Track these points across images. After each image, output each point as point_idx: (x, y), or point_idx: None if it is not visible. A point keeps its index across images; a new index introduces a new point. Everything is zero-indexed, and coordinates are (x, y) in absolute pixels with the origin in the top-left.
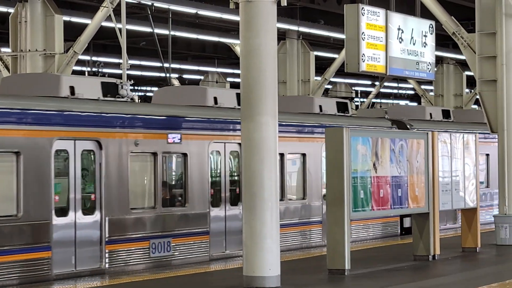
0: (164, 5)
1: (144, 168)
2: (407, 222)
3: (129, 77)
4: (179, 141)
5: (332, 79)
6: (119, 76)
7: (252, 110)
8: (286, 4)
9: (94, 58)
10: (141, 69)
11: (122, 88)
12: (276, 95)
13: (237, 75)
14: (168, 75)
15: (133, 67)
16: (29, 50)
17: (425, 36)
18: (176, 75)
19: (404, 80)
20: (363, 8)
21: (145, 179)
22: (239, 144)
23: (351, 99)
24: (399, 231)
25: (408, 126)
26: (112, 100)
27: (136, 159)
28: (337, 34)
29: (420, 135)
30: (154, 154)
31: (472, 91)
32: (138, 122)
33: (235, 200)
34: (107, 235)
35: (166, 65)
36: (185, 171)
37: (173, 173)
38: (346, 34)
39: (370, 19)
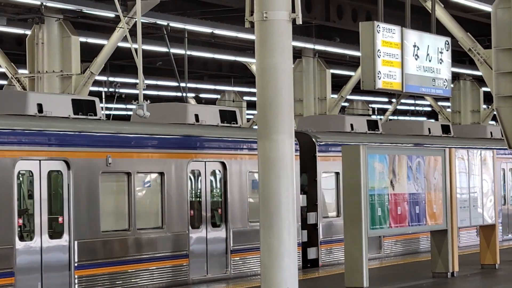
0: (180, 25)
1: None
2: (312, 253)
3: (146, 97)
4: None
5: (349, 97)
6: (135, 97)
7: (269, 128)
8: (301, 23)
9: (111, 79)
10: (158, 89)
11: (139, 108)
12: (293, 114)
13: (254, 94)
14: (184, 94)
15: (149, 87)
16: (46, 71)
17: (441, 52)
18: (193, 94)
19: (421, 97)
20: (378, 25)
21: None
22: (65, 161)
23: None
24: (301, 263)
25: (314, 139)
26: None
27: None
28: (353, 52)
29: (437, 151)
30: None
31: (490, 107)
32: None
33: (58, 230)
34: None
35: (182, 84)
36: None
37: None
38: (361, 51)
39: (386, 36)
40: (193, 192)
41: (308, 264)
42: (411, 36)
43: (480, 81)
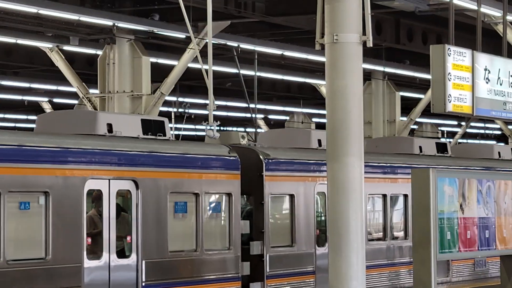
0: (250, 47)
1: None
2: None
3: (216, 118)
4: None
5: (418, 119)
6: (205, 117)
7: (338, 151)
8: (372, 45)
9: (181, 99)
10: (227, 110)
11: (208, 128)
12: (362, 136)
13: (322, 116)
14: (254, 115)
15: (219, 107)
16: (117, 91)
17: None
18: (262, 116)
19: (491, 120)
20: (449, 48)
21: None
22: None
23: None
24: None
25: (261, 156)
26: None
27: None
28: (423, 74)
29: (508, 176)
30: None
31: None
32: None
33: None
34: None
35: (251, 105)
36: None
37: None
38: (432, 74)
39: (456, 59)
40: (94, 215)
41: None
42: (482, 60)
43: None
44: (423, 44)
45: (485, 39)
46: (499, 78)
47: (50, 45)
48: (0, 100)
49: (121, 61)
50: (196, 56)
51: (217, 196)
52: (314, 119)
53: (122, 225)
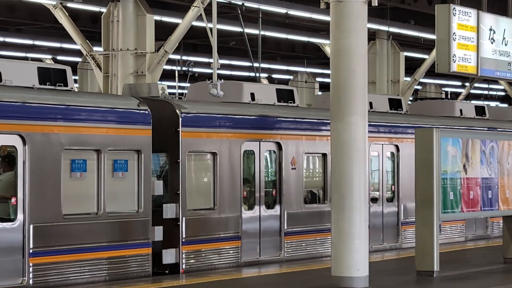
0: (255, 5)
1: None
2: (169, 257)
3: (219, 76)
4: None
5: (422, 80)
6: (208, 76)
7: (342, 110)
8: (377, 4)
9: (185, 58)
10: (231, 69)
11: (212, 87)
12: (366, 96)
13: (327, 75)
14: (257, 74)
15: (223, 66)
16: (121, 49)
17: None
18: (266, 75)
19: (494, 81)
20: (454, 8)
21: None
22: None
23: None
24: (150, 269)
25: (177, 110)
26: None
27: None
28: (428, 35)
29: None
30: None
31: None
32: None
33: None
34: None
35: (255, 64)
36: None
37: None
38: (437, 34)
39: (462, 19)
40: None
41: (166, 270)
42: (487, 20)
43: None
44: (428, 4)
45: None
46: (504, 38)
47: (53, 2)
48: (3, 57)
49: (125, 19)
50: (201, 14)
51: (123, 153)
52: (318, 79)
53: (5, 184)
